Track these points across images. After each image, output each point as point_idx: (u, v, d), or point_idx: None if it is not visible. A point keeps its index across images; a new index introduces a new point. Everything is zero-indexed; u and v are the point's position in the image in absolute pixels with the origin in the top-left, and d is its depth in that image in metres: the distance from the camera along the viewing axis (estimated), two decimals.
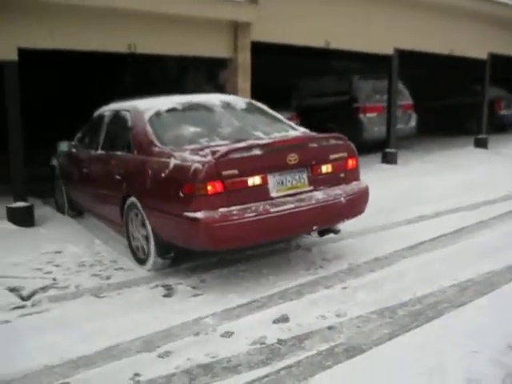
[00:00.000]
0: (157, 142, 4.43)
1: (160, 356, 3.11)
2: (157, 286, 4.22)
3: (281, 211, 3.96)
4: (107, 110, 5.74)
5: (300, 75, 12.24)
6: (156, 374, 2.90)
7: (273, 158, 4.09)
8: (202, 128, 4.67)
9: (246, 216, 3.83)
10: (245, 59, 7.76)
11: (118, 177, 4.79)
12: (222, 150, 3.90)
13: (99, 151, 5.47)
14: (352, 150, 4.63)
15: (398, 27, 10.17)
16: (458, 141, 13.25)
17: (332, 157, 4.45)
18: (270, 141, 4.27)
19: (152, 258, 4.41)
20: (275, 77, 10.81)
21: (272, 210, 3.94)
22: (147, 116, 4.72)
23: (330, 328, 3.37)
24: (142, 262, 4.59)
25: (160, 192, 4.19)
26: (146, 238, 4.42)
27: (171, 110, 4.88)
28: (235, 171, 3.87)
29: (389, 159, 10.39)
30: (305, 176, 4.28)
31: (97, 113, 6.02)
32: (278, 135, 4.66)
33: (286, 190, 4.16)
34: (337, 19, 8.97)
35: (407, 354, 2.98)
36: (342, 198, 4.33)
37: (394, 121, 10.78)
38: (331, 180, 4.44)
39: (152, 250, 4.37)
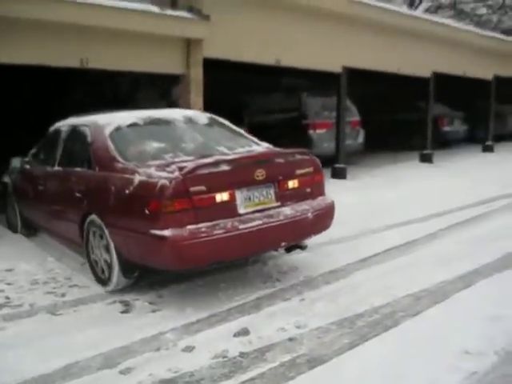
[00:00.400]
0: (119, 158, 4.30)
1: (121, 372, 3.07)
2: (114, 302, 4.16)
3: (249, 228, 3.90)
4: (64, 125, 5.57)
5: (251, 92, 12.37)
6: None
7: (240, 174, 4.04)
8: (165, 143, 4.58)
9: (215, 233, 3.74)
10: (197, 75, 7.79)
11: (77, 194, 4.61)
12: (189, 165, 3.81)
13: (56, 167, 5.28)
14: (317, 164, 4.63)
15: (347, 46, 10.46)
16: (405, 156, 13.68)
17: (298, 172, 4.43)
18: (237, 156, 4.23)
19: (115, 278, 4.25)
20: (227, 93, 10.90)
21: (240, 226, 3.87)
22: (108, 131, 4.59)
23: (290, 339, 3.41)
24: (103, 281, 4.42)
25: (124, 209, 4.05)
26: (109, 258, 4.27)
27: (132, 125, 4.76)
28: (203, 187, 3.78)
29: (338, 174, 10.62)
30: (272, 192, 4.23)
31: (52, 128, 5.84)
32: (242, 150, 4.63)
33: (254, 206, 4.10)
34: (288, 38, 9.13)
35: (368, 364, 3.06)
36: (310, 214, 4.31)
37: (343, 137, 11.04)
38: (298, 195, 4.41)
39: (115, 270, 4.21)
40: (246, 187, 4.05)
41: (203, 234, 3.70)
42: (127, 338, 3.50)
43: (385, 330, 3.48)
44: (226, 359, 3.19)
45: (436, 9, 32.03)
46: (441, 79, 13.44)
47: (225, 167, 3.92)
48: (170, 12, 7.21)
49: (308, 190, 4.50)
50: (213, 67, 7.79)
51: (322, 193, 4.69)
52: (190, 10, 7.44)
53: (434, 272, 4.58)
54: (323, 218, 4.53)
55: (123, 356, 3.26)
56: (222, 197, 3.88)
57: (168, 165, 4.02)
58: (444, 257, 5.06)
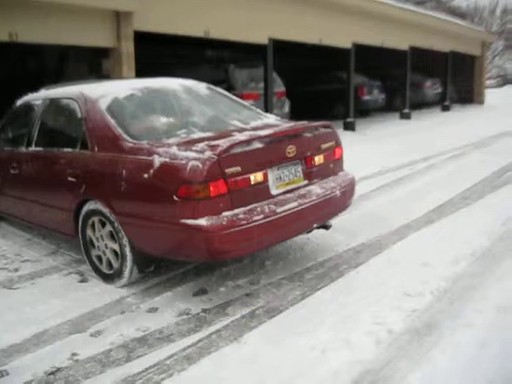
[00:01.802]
0: (125, 136, 3.77)
1: (92, 335, 3.23)
2: (70, 273, 4.25)
3: (287, 211, 3.59)
4: (37, 98, 4.89)
5: (182, 64, 12.35)
6: (93, 351, 3.02)
7: (273, 151, 3.67)
8: (173, 118, 4.19)
9: (255, 219, 3.39)
10: (128, 48, 7.79)
11: (70, 178, 4.05)
12: (224, 144, 3.37)
13: (33, 148, 4.64)
14: (338, 138, 4.35)
15: (273, 18, 10.71)
16: None
17: (323, 147, 4.12)
18: (270, 132, 3.75)
19: (127, 273, 3.81)
20: (159, 67, 10.84)
21: (278, 210, 3.55)
22: (103, 105, 4.03)
23: (247, 295, 3.68)
24: (109, 277, 3.97)
25: (141, 196, 3.56)
26: (117, 251, 3.84)
27: (130, 97, 4.24)
28: (238, 168, 3.39)
29: None
30: (300, 169, 3.92)
31: (20, 102, 5.16)
32: (256, 123, 4.28)
33: (285, 186, 3.78)
34: (216, 10, 9.26)
35: (319, 309, 3.38)
36: (337, 191, 4.08)
37: (271, 107, 11.34)
38: (323, 172, 4.13)
39: (128, 264, 3.77)
40: (276, 166, 3.71)
41: (243, 222, 3.34)
42: (90, 304, 3.64)
43: (332, 281, 3.82)
44: (190, 316, 3.41)
45: None
46: (360, 50, 13.98)
47: (258, 144, 3.54)
48: None
49: (331, 165, 4.24)
50: (144, 40, 7.79)
51: (341, 168, 4.44)
52: None
53: (372, 228, 4.96)
54: (348, 195, 4.32)
55: (91, 320, 3.41)
56: (256, 178, 3.52)
57: (190, 143, 3.59)
58: (377, 214, 5.47)
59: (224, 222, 3.28)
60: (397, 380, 2.60)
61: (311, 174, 4.00)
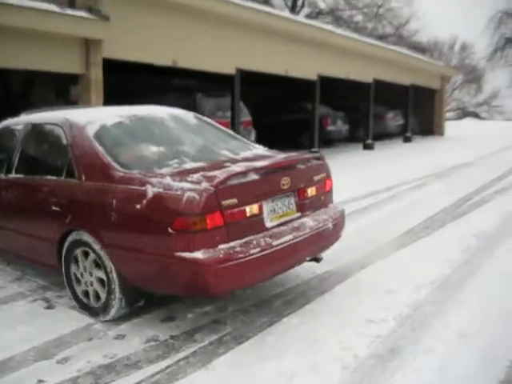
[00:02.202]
0: (115, 165, 3.64)
1: (59, 362, 3.21)
2: (36, 299, 4.21)
3: (282, 244, 3.52)
4: (17, 123, 4.73)
5: (150, 93, 12.45)
6: (60, 378, 3.01)
7: (268, 183, 3.62)
8: (163, 147, 4.07)
9: (252, 253, 3.30)
10: (97, 76, 7.84)
11: (54, 208, 3.89)
12: (221, 175, 3.30)
13: (13, 175, 4.45)
14: (329, 170, 4.32)
15: (240, 49, 10.95)
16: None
17: (315, 179, 4.09)
18: (266, 163, 3.69)
19: (115, 308, 3.64)
20: (127, 95, 10.92)
21: (274, 243, 3.47)
22: (91, 131, 3.90)
23: (215, 321, 3.71)
24: (94, 311, 3.79)
25: (133, 228, 3.43)
26: (104, 284, 3.68)
27: (118, 125, 4.13)
28: (234, 200, 3.31)
29: None
30: (293, 201, 3.86)
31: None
32: (245, 154, 4.22)
33: (279, 219, 3.71)
34: (184, 40, 9.45)
35: (286, 335, 3.44)
36: (330, 224, 4.04)
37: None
38: (314, 204, 4.09)
39: (116, 298, 3.60)
40: (271, 198, 3.65)
41: (240, 255, 3.25)
42: (57, 331, 3.61)
43: (299, 307, 3.89)
44: (158, 342, 3.42)
45: (316, 15, 33.69)
46: (325, 81, 14.33)
47: (254, 176, 3.48)
48: (69, 11, 7.20)
49: (322, 197, 4.20)
50: (113, 68, 7.86)
51: (331, 200, 4.39)
52: (90, 10, 7.46)
53: (337, 256, 5.06)
54: (339, 227, 4.28)
55: (57, 347, 3.38)
56: (251, 210, 3.44)
57: (183, 173, 3.50)
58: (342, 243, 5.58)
59: (221, 255, 3.18)
60: None
61: (304, 207, 3.95)
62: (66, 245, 3.88)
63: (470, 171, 11.21)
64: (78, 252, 3.82)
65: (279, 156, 4.16)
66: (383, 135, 19.70)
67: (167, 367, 3.09)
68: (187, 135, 4.41)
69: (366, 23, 35.68)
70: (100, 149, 3.77)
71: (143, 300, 3.76)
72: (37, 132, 4.50)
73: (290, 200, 3.84)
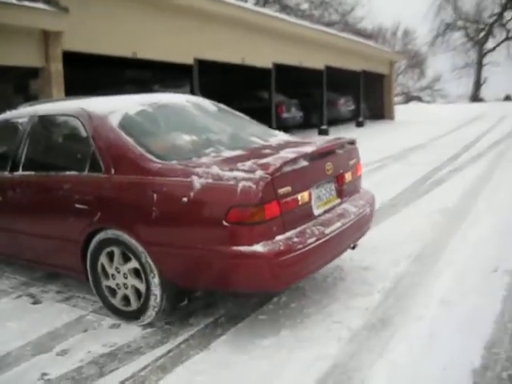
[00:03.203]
0: (149, 156, 3.39)
1: (59, 354, 3.21)
2: (20, 296, 4.16)
3: (334, 231, 3.44)
4: (20, 116, 4.37)
5: (110, 85, 12.27)
6: (63, 370, 3.02)
7: (315, 169, 3.51)
8: (195, 135, 3.84)
9: (309, 242, 3.19)
10: (57, 68, 7.71)
11: (78, 205, 3.58)
12: (276, 162, 3.15)
13: (20, 172, 4.10)
14: (359, 154, 4.23)
15: (198, 39, 10.96)
16: None
17: (350, 163, 4.01)
18: (314, 149, 3.56)
19: (156, 309, 3.40)
20: (88, 87, 10.74)
21: (326, 231, 3.38)
22: (115, 121, 3.64)
23: (207, 306, 3.77)
24: (129, 314, 3.53)
25: (180, 223, 3.19)
26: (139, 287, 3.45)
27: (141, 113, 3.87)
28: (289, 188, 3.16)
29: None
30: (333, 187, 3.75)
31: None
32: (274, 140, 4.09)
33: (324, 206, 3.60)
34: (144, 31, 9.37)
35: (278, 313, 3.56)
36: (368, 209, 4.00)
37: None
38: (351, 189, 4.00)
39: (156, 299, 3.36)
40: (316, 184, 3.52)
41: (299, 246, 3.12)
42: (49, 325, 3.60)
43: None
44: (155, 329, 3.46)
45: (264, 3, 33.77)
46: (280, 69, 14.48)
47: (303, 162, 3.35)
48: (26, 3, 7.04)
49: (356, 182, 4.13)
50: (74, 61, 7.74)
51: (361, 185, 4.31)
52: (48, 1, 7.31)
53: None
54: (372, 213, 4.20)
55: (54, 340, 3.38)
56: (303, 198, 3.31)
57: (228, 162, 3.33)
58: None
59: (282, 247, 3.03)
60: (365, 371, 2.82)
61: (343, 192, 3.85)
62: (92, 245, 3.59)
63: (425, 152, 11.60)
64: (111, 251, 3.52)
65: (320, 141, 3.99)
66: (337, 120, 20.08)
67: (169, 351, 3.15)
68: (213, 122, 4.22)
69: (312, 11, 36.04)
70: (129, 139, 3.50)
71: (187, 298, 3.53)
72: (46, 124, 4.19)
73: (331, 186, 3.73)
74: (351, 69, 19.43)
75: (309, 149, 3.51)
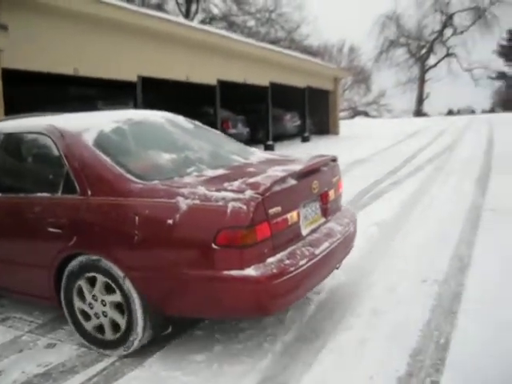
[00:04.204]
0: (129, 176, 3.23)
1: None
2: None
3: (322, 252, 3.34)
4: None
5: (54, 103, 12.14)
6: None
7: (303, 188, 3.42)
8: (174, 154, 3.67)
9: (300, 264, 3.08)
10: None
11: (51, 229, 3.36)
12: (265, 181, 3.06)
13: None
14: (340, 171, 4.17)
15: (141, 56, 11.03)
16: None
17: (333, 181, 3.93)
18: (302, 167, 3.47)
19: (138, 338, 3.18)
20: (30, 106, 10.58)
21: (316, 251, 3.28)
22: (89, 139, 3.44)
23: None
24: (109, 344, 3.32)
25: (163, 246, 3.02)
26: (123, 312, 3.21)
27: (117, 131, 3.67)
28: (279, 208, 3.05)
29: None
30: (318, 206, 3.68)
31: None
32: (255, 158, 4.02)
33: (310, 225, 3.51)
34: (85, 48, 9.38)
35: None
36: (351, 227, 3.94)
37: None
38: (334, 207, 3.93)
39: (138, 328, 3.15)
40: (303, 203, 3.44)
41: (291, 268, 2.99)
42: None
43: None
44: (90, 348, 3.46)
45: (210, 20, 34.09)
46: (225, 86, 14.65)
47: (292, 181, 3.27)
48: None
49: (338, 200, 4.06)
50: (14, 78, 7.64)
51: (341, 202, 4.24)
52: None
53: None
54: (356, 230, 4.14)
55: None
56: (292, 217, 3.21)
57: (213, 182, 3.20)
58: None
59: (274, 270, 2.90)
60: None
61: (327, 211, 3.78)
62: (66, 271, 3.36)
63: (366, 166, 11.95)
64: (87, 277, 3.30)
65: (304, 158, 3.88)
66: (282, 136, 20.37)
67: (103, 369, 3.17)
68: (191, 140, 4.07)
69: (258, 28, 36.61)
70: (106, 158, 3.32)
71: (171, 326, 3.37)
72: (13, 143, 3.94)
73: (316, 205, 3.65)
74: (296, 85, 19.81)
75: (297, 167, 3.44)
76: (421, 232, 5.81)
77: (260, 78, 16.69)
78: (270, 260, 2.96)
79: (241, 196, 2.89)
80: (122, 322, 3.22)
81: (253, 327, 3.59)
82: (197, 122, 4.55)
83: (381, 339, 3.35)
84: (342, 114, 36.71)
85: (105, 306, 3.27)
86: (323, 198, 3.74)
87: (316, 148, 17.75)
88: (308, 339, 3.39)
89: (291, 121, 21.17)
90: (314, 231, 3.51)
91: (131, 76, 10.87)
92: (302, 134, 21.25)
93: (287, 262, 3.02)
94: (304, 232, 3.39)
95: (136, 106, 11.36)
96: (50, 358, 3.35)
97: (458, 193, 7.98)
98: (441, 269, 4.55)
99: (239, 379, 2.96)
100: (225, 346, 3.36)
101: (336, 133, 24.34)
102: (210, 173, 3.43)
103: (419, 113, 48.17)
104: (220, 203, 2.88)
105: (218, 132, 4.71)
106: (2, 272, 3.86)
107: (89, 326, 3.37)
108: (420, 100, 50.97)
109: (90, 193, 3.27)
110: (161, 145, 3.80)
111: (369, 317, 3.68)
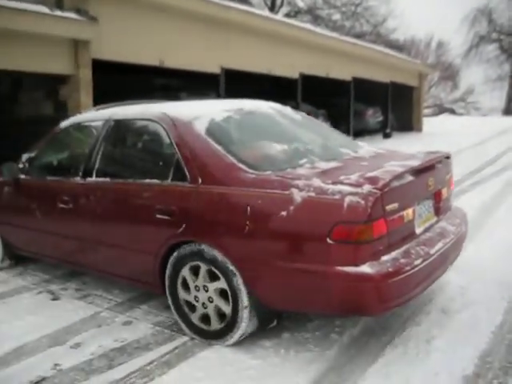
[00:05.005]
0: (241, 166, 3.20)
1: (72, 347, 3.39)
2: (41, 292, 4.37)
3: (437, 252, 3.20)
4: (93, 119, 4.22)
5: (138, 93, 12.59)
6: (75, 361, 3.19)
7: (419, 185, 3.30)
8: (285, 144, 3.61)
9: (416, 264, 2.95)
10: (86, 76, 8.00)
11: (159, 216, 3.37)
12: (384, 176, 2.92)
13: (93, 179, 3.91)
14: (452, 168, 3.99)
15: (225, 48, 11.22)
16: None
17: (446, 178, 3.79)
18: (420, 162, 3.33)
19: (241, 330, 3.16)
20: (116, 94, 11.06)
21: (431, 251, 3.15)
22: (201, 128, 3.44)
23: None
24: (211, 335, 3.30)
25: (275, 238, 2.95)
26: (227, 306, 3.19)
27: (228, 120, 3.65)
28: (396, 205, 2.93)
29: None
30: (431, 204, 3.53)
31: (66, 125, 4.45)
32: (363, 152, 3.90)
33: (423, 224, 3.38)
34: (171, 40, 9.68)
35: None
36: (463, 227, 3.78)
37: None
38: (445, 206, 3.77)
39: (244, 319, 3.12)
40: (418, 201, 3.30)
41: (407, 267, 2.88)
42: (66, 320, 3.79)
43: None
44: (164, 327, 3.61)
45: (295, 13, 34.01)
46: (306, 80, 14.62)
47: (410, 177, 3.13)
48: (58, 13, 7.33)
49: (450, 198, 3.92)
50: (103, 68, 8.01)
51: (451, 201, 4.05)
52: (78, 11, 7.60)
53: None
54: (467, 231, 3.93)
55: (68, 334, 3.57)
56: (407, 215, 3.10)
57: (328, 174, 3.11)
58: None
59: (390, 269, 2.79)
60: None
61: (439, 210, 3.64)
62: (172, 259, 3.38)
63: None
64: (193, 265, 3.30)
65: (418, 154, 3.72)
66: (363, 131, 20.04)
67: (175, 348, 3.30)
68: (300, 131, 3.98)
69: (343, 22, 36.11)
70: (218, 147, 3.31)
71: (276, 320, 3.34)
72: (123, 129, 3.99)
73: (430, 203, 3.51)
74: (379, 80, 19.43)
75: (414, 163, 3.30)
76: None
77: (343, 72, 16.52)
78: (385, 258, 2.86)
79: (359, 190, 2.79)
80: (227, 309, 3.20)
81: (321, 318, 3.60)
82: (304, 114, 4.46)
83: (449, 337, 3.27)
84: (426, 111, 35.67)
85: (207, 291, 3.26)
86: (436, 196, 3.60)
87: (397, 144, 17.30)
88: (375, 334, 3.36)
89: (373, 116, 20.76)
90: (426, 230, 3.39)
91: (214, 68, 11.09)
92: (383, 130, 20.83)
93: (402, 260, 2.90)
94: (418, 231, 3.27)
95: (218, 97, 11.57)
96: (126, 334, 3.53)
97: None
98: None
99: (305, 366, 3.00)
100: (292, 333, 3.40)
101: (419, 129, 23.66)
102: (323, 165, 3.33)
103: (509, 111, 45.80)
104: (336, 197, 2.80)
105: (325, 124, 4.60)
106: (100, 254, 3.97)
107: (194, 316, 3.38)
108: (510, 98, 48.46)
109: (200, 181, 3.26)
110: (272, 135, 3.75)
111: (438, 315, 3.60)
